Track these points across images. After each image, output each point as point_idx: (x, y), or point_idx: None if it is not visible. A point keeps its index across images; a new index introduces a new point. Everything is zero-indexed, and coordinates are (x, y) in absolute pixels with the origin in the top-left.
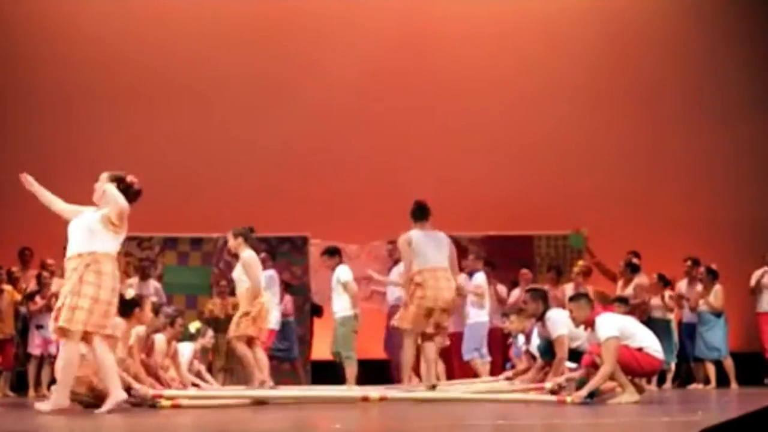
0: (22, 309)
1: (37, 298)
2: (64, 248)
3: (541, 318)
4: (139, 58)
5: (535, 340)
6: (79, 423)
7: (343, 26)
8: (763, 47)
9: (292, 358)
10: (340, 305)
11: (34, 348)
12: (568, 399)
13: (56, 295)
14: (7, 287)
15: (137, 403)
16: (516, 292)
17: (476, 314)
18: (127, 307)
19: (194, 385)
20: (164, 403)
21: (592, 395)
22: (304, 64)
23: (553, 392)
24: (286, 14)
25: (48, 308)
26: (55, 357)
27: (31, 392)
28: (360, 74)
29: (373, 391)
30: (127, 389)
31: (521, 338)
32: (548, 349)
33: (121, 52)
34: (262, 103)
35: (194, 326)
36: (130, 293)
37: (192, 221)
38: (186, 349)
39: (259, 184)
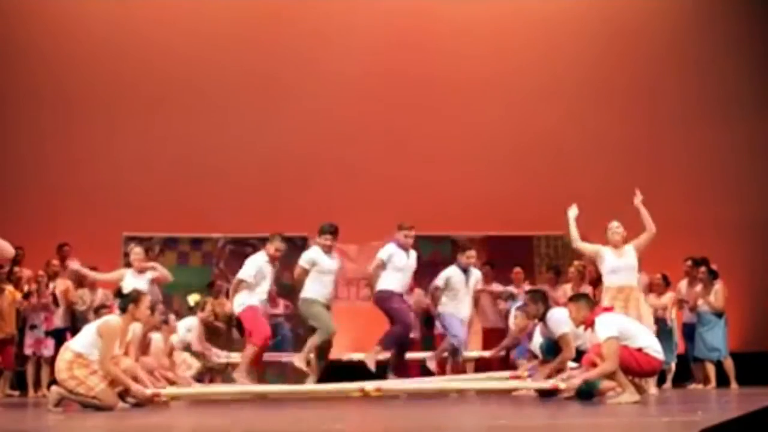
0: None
1: (33, 298)
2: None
3: (542, 318)
4: (138, 57)
5: (537, 339)
6: (79, 423)
7: (343, 26)
8: (763, 47)
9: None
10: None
11: (27, 348)
12: (562, 385)
13: (54, 295)
14: (8, 287)
15: (138, 403)
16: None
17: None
18: (123, 302)
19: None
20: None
21: (592, 395)
22: (304, 65)
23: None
24: (287, 14)
25: (43, 308)
26: (50, 358)
27: (31, 392)
28: (360, 74)
29: (369, 384)
30: (125, 391)
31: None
32: (551, 347)
33: (120, 51)
34: (263, 103)
35: (193, 299)
36: (126, 281)
37: (192, 221)
38: (191, 324)
39: (259, 184)
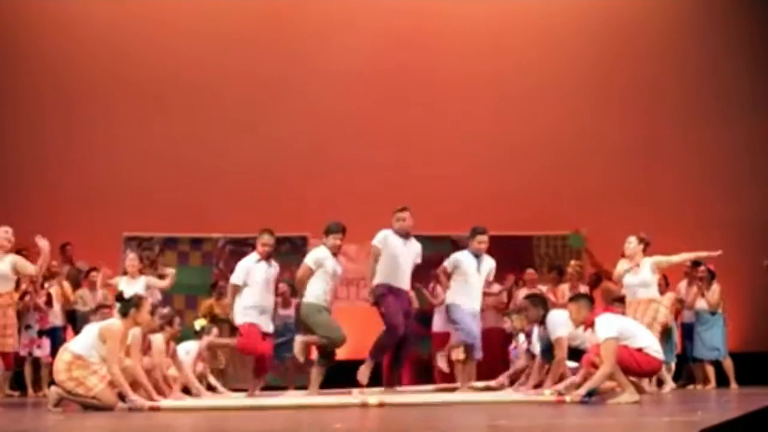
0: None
1: (27, 298)
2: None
3: (542, 322)
4: (138, 57)
5: (535, 339)
6: (79, 423)
7: (343, 25)
8: (763, 47)
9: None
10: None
11: (22, 348)
12: (567, 398)
13: (49, 295)
14: None
15: (134, 408)
16: (522, 294)
17: None
18: (125, 307)
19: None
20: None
21: (591, 394)
22: (303, 64)
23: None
24: (287, 14)
25: (36, 307)
26: (46, 357)
27: (30, 392)
28: (361, 74)
29: (372, 397)
30: (121, 396)
31: (522, 337)
32: (548, 349)
33: (120, 51)
34: (263, 102)
35: (199, 323)
36: (120, 287)
37: (192, 221)
38: (191, 348)
39: (258, 184)
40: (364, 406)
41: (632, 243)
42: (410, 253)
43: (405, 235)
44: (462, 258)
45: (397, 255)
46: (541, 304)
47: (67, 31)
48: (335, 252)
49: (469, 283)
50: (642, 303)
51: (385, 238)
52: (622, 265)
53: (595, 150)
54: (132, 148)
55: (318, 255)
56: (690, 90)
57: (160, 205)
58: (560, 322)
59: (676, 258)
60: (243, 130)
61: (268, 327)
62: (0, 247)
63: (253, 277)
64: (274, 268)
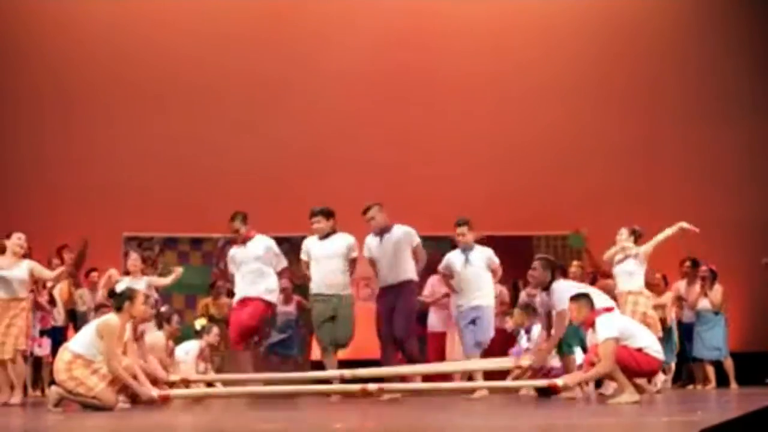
0: None
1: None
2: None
3: (547, 288)
4: (138, 57)
5: (535, 336)
6: (79, 423)
7: (343, 24)
8: (763, 47)
9: (289, 354)
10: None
11: None
12: (560, 382)
13: (51, 295)
14: None
15: (135, 401)
16: (523, 295)
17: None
18: (118, 301)
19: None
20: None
21: None
22: (303, 64)
23: (555, 389)
24: (287, 13)
25: (38, 307)
26: (47, 357)
27: (30, 391)
28: (360, 74)
29: (371, 384)
30: (122, 389)
31: (522, 334)
32: (548, 316)
33: (120, 51)
34: (263, 102)
35: (200, 323)
36: (120, 287)
37: (192, 221)
38: (191, 348)
39: (259, 184)
40: (365, 393)
41: (623, 234)
42: (391, 246)
43: (380, 232)
44: (450, 256)
45: (377, 254)
46: (551, 268)
47: (67, 31)
48: (323, 236)
49: (461, 277)
50: (622, 294)
51: (368, 244)
52: (612, 250)
53: (595, 150)
54: (132, 148)
55: (304, 246)
56: (690, 90)
57: (160, 205)
58: (566, 295)
59: (659, 237)
60: (243, 130)
61: (253, 292)
62: (14, 253)
63: (235, 264)
64: (253, 247)
